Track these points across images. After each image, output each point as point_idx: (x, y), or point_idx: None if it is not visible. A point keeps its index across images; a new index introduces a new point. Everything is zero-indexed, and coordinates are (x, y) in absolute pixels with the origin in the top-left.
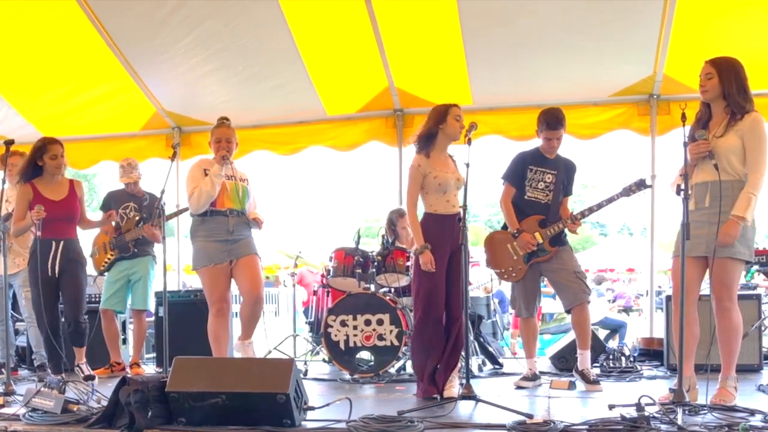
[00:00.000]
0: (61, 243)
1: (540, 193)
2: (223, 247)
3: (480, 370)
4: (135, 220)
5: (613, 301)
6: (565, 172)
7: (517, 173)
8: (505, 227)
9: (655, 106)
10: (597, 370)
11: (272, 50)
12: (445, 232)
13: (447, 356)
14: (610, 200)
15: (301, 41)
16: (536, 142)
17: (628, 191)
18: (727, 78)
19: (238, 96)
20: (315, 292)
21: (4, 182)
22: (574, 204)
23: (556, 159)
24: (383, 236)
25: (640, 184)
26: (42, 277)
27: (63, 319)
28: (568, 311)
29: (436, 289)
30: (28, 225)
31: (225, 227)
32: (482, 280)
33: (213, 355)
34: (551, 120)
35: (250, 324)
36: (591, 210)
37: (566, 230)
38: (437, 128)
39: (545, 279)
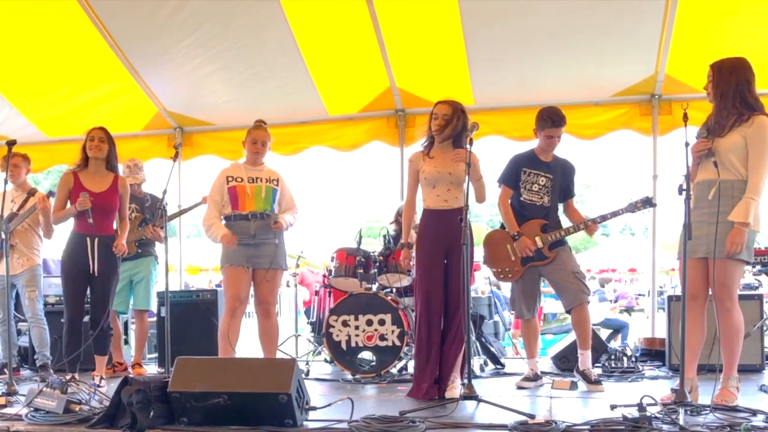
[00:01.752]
0: (96, 239)
1: (534, 196)
2: (243, 251)
3: (482, 370)
4: (137, 222)
5: (615, 301)
6: (562, 174)
7: (512, 175)
8: (503, 227)
9: (656, 106)
10: (599, 371)
11: (274, 51)
12: (437, 227)
13: (448, 356)
14: (614, 214)
15: (303, 41)
16: (537, 143)
17: (633, 207)
18: (723, 80)
19: (239, 96)
20: (317, 293)
21: (6, 183)
22: (575, 204)
23: (552, 162)
24: (385, 236)
25: (646, 202)
26: (73, 273)
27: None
28: (568, 311)
29: (432, 287)
30: (69, 214)
31: (247, 231)
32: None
33: (220, 351)
34: (555, 117)
35: (266, 341)
36: (604, 218)
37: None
38: (429, 129)
39: (545, 280)
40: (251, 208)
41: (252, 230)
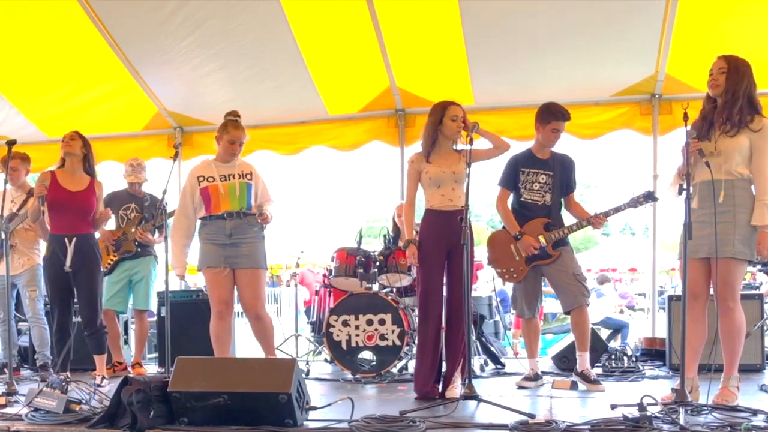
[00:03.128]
0: (74, 239)
1: (535, 195)
2: (220, 251)
3: (482, 370)
4: (136, 221)
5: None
6: (561, 170)
7: (510, 176)
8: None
9: (657, 106)
10: (599, 370)
11: (274, 50)
12: (440, 227)
13: (452, 356)
14: (617, 209)
15: (303, 41)
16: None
17: (635, 202)
18: (739, 78)
19: (239, 96)
20: (317, 292)
21: (6, 183)
22: (576, 199)
23: (550, 158)
24: (385, 236)
25: (648, 197)
26: (54, 274)
27: (80, 320)
28: (567, 313)
29: (433, 287)
30: (35, 206)
31: (222, 231)
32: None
33: (215, 356)
34: (563, 110)
35: (261, 340)
36: (606, 214)
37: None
38: (436, 131)
39: (545, 279)
40: (226, 207)
41: (227, 229)
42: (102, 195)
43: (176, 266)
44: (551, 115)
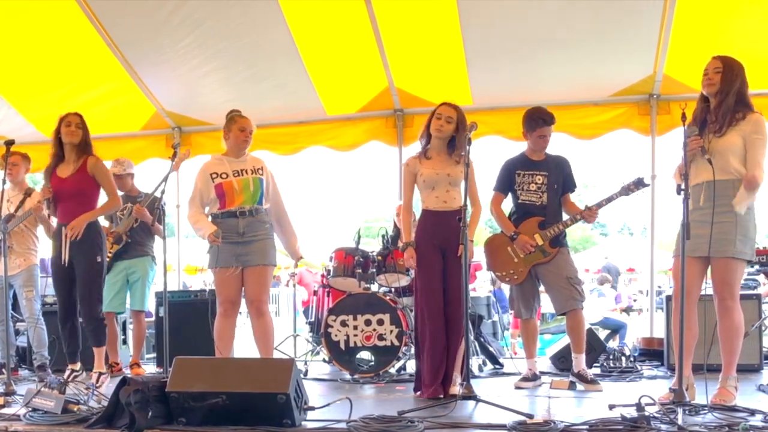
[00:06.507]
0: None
1: (533, 195)
2: (232, 250)
3: (480, 370)
4: (125, 213)
5: (616, 302)
6: (556, 170)
7: (505, 181)
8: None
9: (655, 106)
10: (597, 370)
11: (272, 50)
12: (435, 227)
13: (451, 356)
14: (609, 200)
15: (301, 41)
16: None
17: (626, 190)
18: (733, 78)
19: (238, 96)
20: (315, 292)
21: (4, 182)
22: (572, 199)
23: (545, 160)
24: (383, 236)
25: (639, 183)
26: (55, 265)
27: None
28: (561, 315)
29: (430, 288)
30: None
31: (235, 229)
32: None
33: (216, 353)
34: (546, 116)
35: (260, 341)
36: (599, 205)
37: (566, 231)
38: (428, 131)
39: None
40: (240, 203)
41: (240, 228)
42: (101, 172)
43: (204, 229)
44: (535, 122)
